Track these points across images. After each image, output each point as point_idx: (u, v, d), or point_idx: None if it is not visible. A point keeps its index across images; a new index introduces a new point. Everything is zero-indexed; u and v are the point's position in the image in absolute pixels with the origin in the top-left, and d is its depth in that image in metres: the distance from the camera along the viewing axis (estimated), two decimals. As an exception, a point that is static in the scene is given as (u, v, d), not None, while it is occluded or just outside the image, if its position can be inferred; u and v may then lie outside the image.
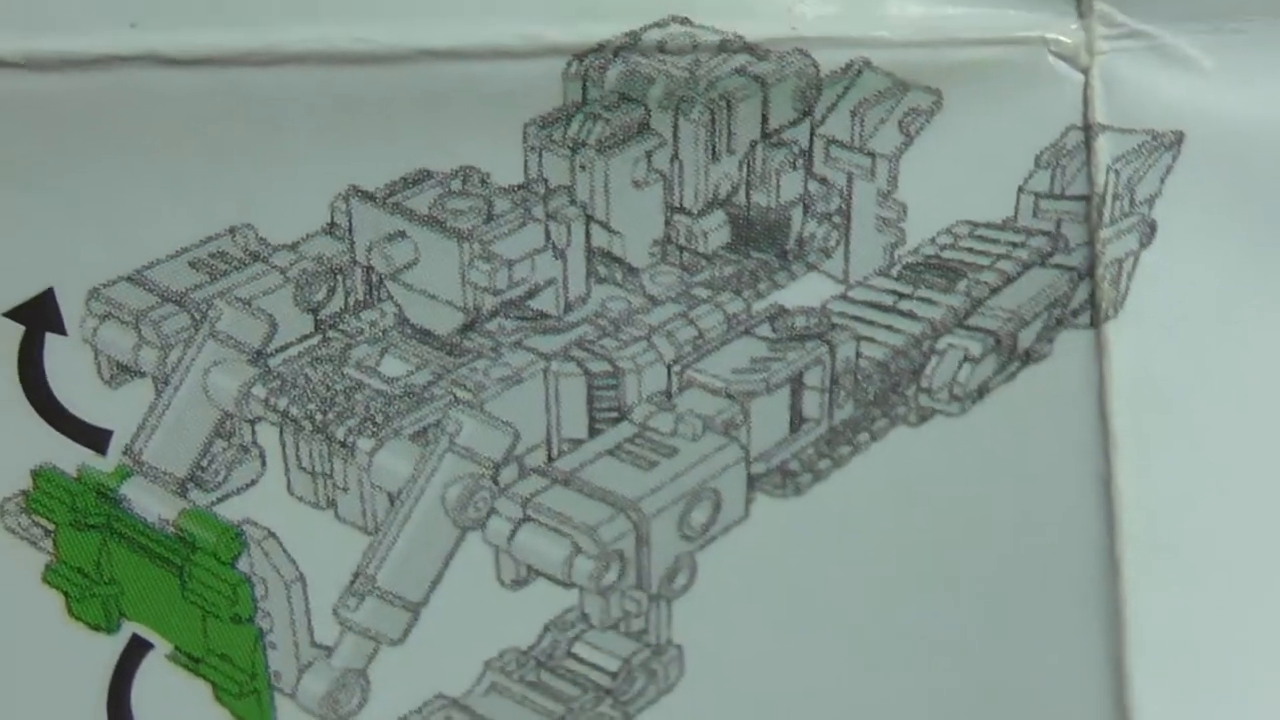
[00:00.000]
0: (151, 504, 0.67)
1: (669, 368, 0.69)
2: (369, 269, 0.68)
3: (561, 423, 0.68)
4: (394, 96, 0.65)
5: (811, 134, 0.70)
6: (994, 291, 0.71)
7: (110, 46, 0.64)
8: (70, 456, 0.67)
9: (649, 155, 0.69)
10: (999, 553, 0.69)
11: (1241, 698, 0.73)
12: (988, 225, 0.70)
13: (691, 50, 0.67)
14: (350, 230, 0.68)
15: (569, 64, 0.66)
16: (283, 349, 0.68)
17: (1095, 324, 0.69)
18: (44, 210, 0.66)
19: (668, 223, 0.71)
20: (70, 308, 0.67)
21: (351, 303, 0.70)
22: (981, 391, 0.70)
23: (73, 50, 0.64)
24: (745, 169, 0.71)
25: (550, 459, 0.68)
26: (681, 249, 0.72)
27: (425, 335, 0.69)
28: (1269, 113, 0.69)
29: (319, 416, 0.66)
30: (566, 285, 0.70)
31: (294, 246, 0.67)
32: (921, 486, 0.70)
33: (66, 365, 0.67)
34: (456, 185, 0.67)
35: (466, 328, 0.68)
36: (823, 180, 0.71)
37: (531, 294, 0.69)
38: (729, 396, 0.68)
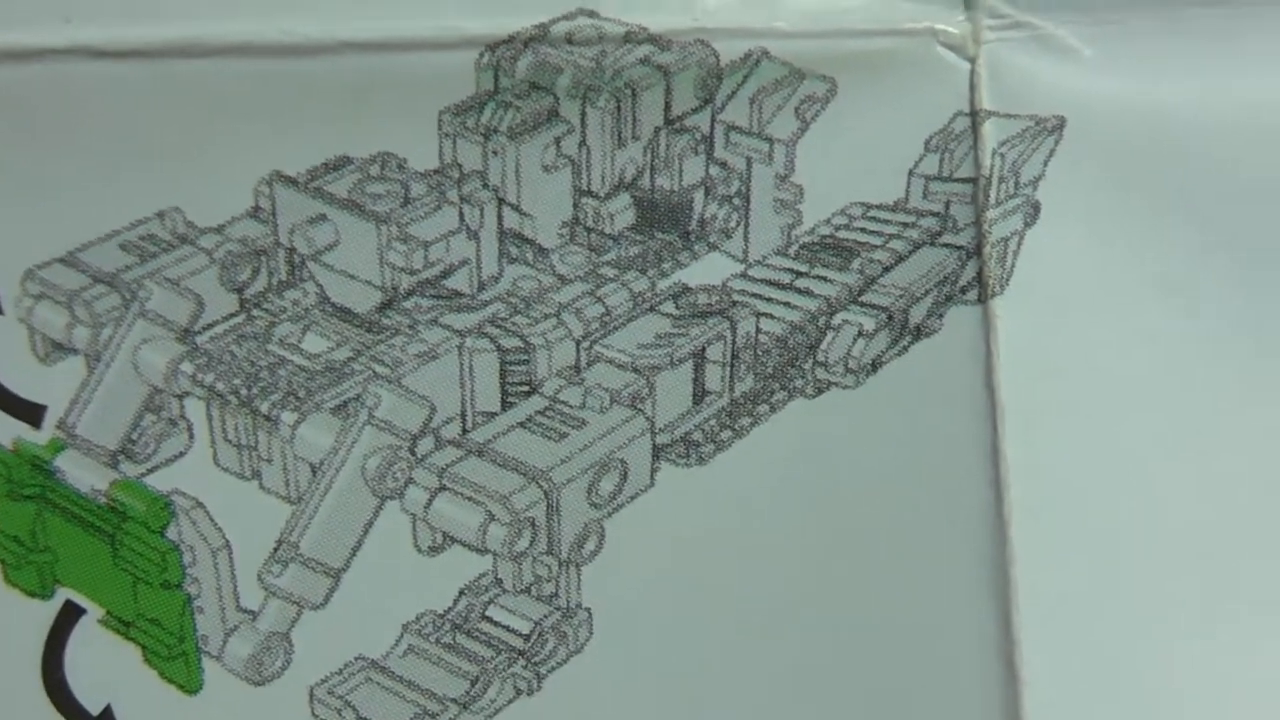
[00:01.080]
0: (84, 475, 0.66)
1: (578, 343, 0.68)
2: (291, 250, 0.67)
3: (476, 396, 0.67)
4: (316, 86, 0.65)
5: (712, 121, 0.70)
6: (886, 270, 0.71)
7: (43, 40, 0.64)
8: (6, 430, 0.66)
9: (558, 141, 0.69)
10: (892, 518, 0.69)
11: (1125, 652, 0.71)
12: (880, 207, 0.70)
13: (598, 41, 0.67)
14: (273, 213, 0.67)
15: (481, 54, 0.66)
16: (209, 327, 0.67)
17: (983, 300, 0.69)
18: None
19: (576, 205, 0.70)
20: (5, 288, 0.66)
21: (275, 283, 0.69)
22: (875, 365, 0.70)
23: (6, 43, 0.64)
24: (649, 154, 0.70)
25: (465, 431, 0.67)
26: (589, 230, 0.71)
27: (345, 313, 0.68)
28: (1145, 99, 0.68)
29: (244, 391, 0.65)
30: (480, 265, 0.69)
31: (220, 229, 0.67)
32: (818, 455, 0.69)
33: (2, 343, 0.66)
34: (375, 170, 0.67)
35: (384, 306, 0.68)
36: (723, 164, 0.71)
37: (446, 274, 0.68)
38: (635, 371, 0.67)
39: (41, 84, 0.64)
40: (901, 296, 0.70)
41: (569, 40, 0.67)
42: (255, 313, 0.68)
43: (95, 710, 0.67)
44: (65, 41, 0.64)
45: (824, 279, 0.71)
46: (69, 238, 0.66)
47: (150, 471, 0.67)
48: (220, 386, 0.65)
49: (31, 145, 0.65)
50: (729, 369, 0.70)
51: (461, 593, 0.68)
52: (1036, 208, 0.69)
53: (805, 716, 0.71)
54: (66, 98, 0.65)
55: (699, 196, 0.71)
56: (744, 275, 0.70)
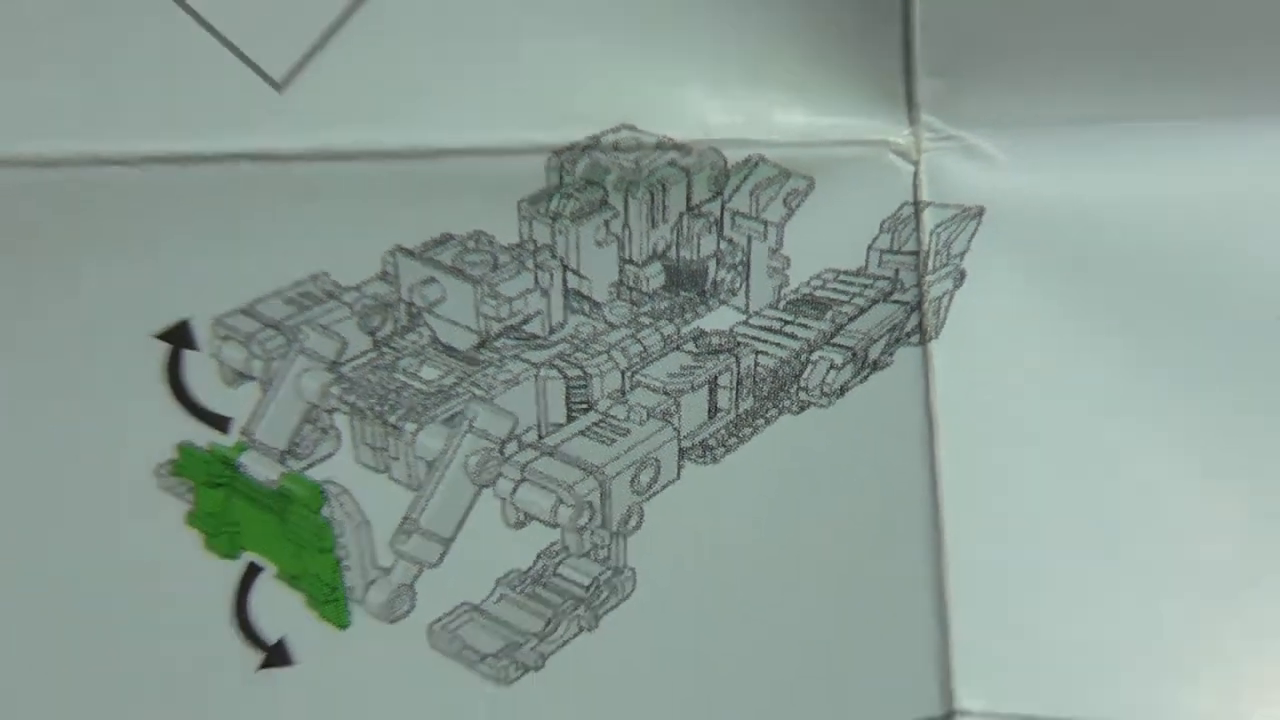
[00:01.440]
0: (261, 469, 0.72)
1: (623, 373, 0.74)
2: (410, 304, 0.73)
3: (548, 412, 0.73)
4: (426, 181, 0.71)
5: (722, 207, 0.75)
6: (851, 319, 0.76)
7: (225, 146, 0.71)
8: (203, 436, 0.72)
9: (607, 223, 0.74)
10: (854, 501, 0.74)
11: (1038, 613, 0.75)
12: (846, 272, 0.76)
13: (636, 148, 0.73)
14: (396, 276, 0.73)
15: (550, 158, 0.72)
16: (351, 360, 0.73)
17: (923, 343, 0.75)
18: (182, 266, 0.71)
19: (621, 270, 0.76)
20: (202, 333, 0.72)
21: (398, 328, 0.74)
22: (843, 390, 0.76)
23: (197, 150, 0.70)
24: (675, 232, 0.76)
25: (540, 437, 0.73)
26: (630, 289, 0.76)
27: (451, 351, 0.74)
28: (1045, 192, 0.74)
29: (378, 408, 0.71)
30: (550, 315, 0.75)
31: (357, 288, 0.73)
32: (800, 457, 0.75)
33: (199, 372, 0.72)
34: (471, 244, 0.73)
35: (480, 345, 0.74)
36: (730, 240, 0.76)
37: (525, 321, 0.74)
38: (665, 393, 0.74)
39: (223, 181, 0.71)
40: (862, 339, 0.75)
41: (615, 148, 0.73)
42: (384, 350, 0.74)
43: (273, 642, 0.73)
44: (240, 148, 0.70)
45: (805, 326, 0.76)
46: (247, 294, 0.72)
47: (309, 466, 0.73)
48: (360, 404, 0.72)
49: (216, 228, 0.72)
50: (735, 392, 0.75)
51: (538, 556, 0.74)
52: (963, 274, 0.75)
53: (785, 636, 0.75)
54: (242, 190, 0.71)
55: (712, 264, 0.77)
56: (745, 323, 0.76)
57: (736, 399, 0.75)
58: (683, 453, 0.74)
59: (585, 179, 0.73)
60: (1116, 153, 0.74)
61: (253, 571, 0.74)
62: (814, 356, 0.75)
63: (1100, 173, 0.74)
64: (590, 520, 0.71)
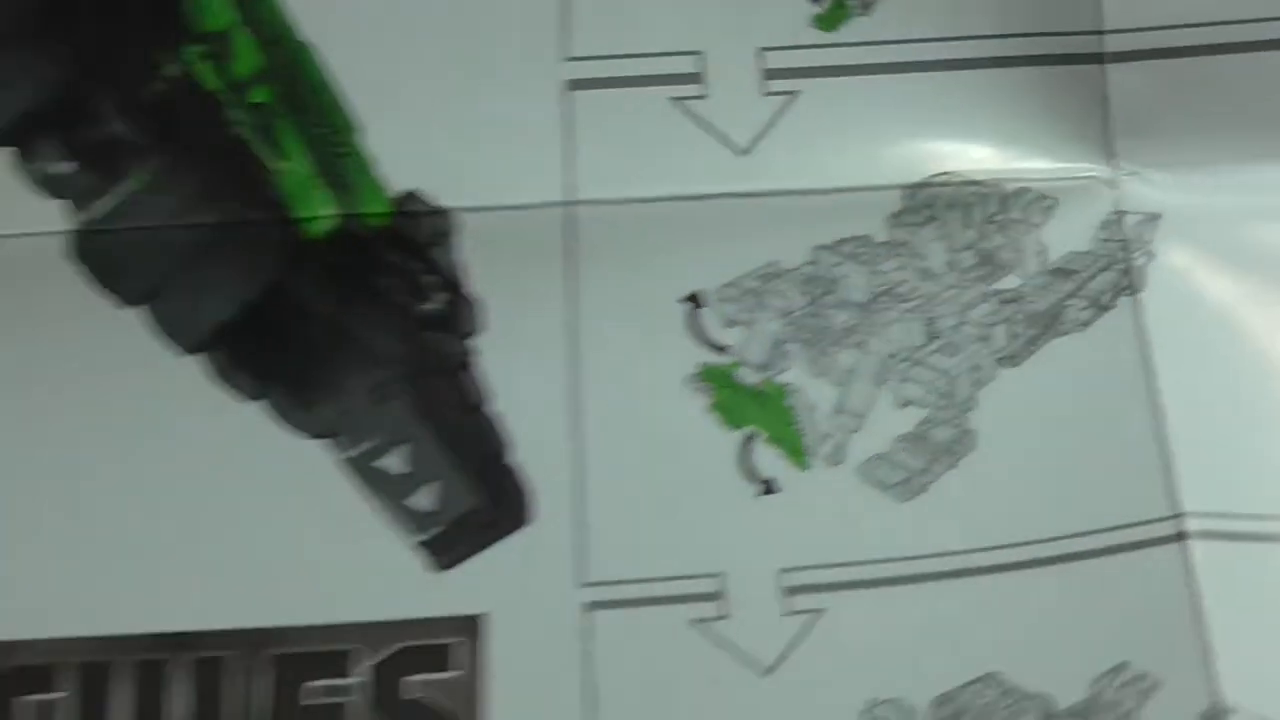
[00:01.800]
0: (749, 376, 0.88)
1: (957, 314, 0.90)
2: (829, 278, 0.88)
3: (914, 337, 0.90)
4: (828, 208, 0.89)
5: (1005, 216, 0.92)
6: (1089, 280, 0.91)
7: (707, 189, 0.88)
8: (714, 359, 0.89)
9: (939, 228, 0.91)
10: (1098, 386, 0.88)
11: (1235, 443, 0.87)
12: (1082, 252, 0.93)
13: (952, 184, 0.92)
14: (817, 262, 0.89)
15: (903, 191, 0.91)
16: (796, 311, 0.89)
17: (1133, 294, 0.92)
18: (698, 260, 0.88)
19: (949, 255, 0.92)
20: (711, 299, 0.89)
21: (825, 292, 0.89)
22: (1088, 322, 0.92)
23: (693, 192, 0.88)
24: (979, 232, 0.92)
25: (909, 355, 0.89)
26: (956, 266, 0.91)
27: (855, 303, 0.89)
28: (1195, 202, 0.92)
29: (815, 339, 0.89)
30: (910, 282, 0.90)
31: (795, 268, 0.89)
32: (1066, 357, 0.90)
33: (708, 320, 0.90)
34: (860, 244, 0.89)
35: (871, 300, 0.90)
36: (1010, 235, 0.92)
37: (896, 286, 0.90)
38: (982, 325, 0.90)
39: (706, 213, 0.88)
40: (1097, 291, 0.91)
41: (941, 184, 0.92)
42: (813, 304, 0.89)
43: (765, 476, 0.88)
44: (717, 190, 0.88)
45: (1061, 283, 0.91)
46: (729, 274, 0.90)
47: (777, 374, 0.89)
48: (803, 336, 0.89)
49: (707, 238, 0.88)
50: (1024, 324, 0.91)
51: (918, 424, 0.89)
52: (1152, 253, 0.93)
53: (1056, 466, 0.87)
54: (721, 219, 0.88)
55: (1002, 249, 0.92)
56: (1025, 284, 0.92)
57: (1024, 327, 0.91)
58: (997, 361, 0.90)
59: (923, 203, 0.91)
60: (1241, 178, 0.93)
61: (751, 437, 0.88)
62: (1067, 302, 0.91)
63: (1229, 191, 0.93)
64: (946, 401, 0.88)
